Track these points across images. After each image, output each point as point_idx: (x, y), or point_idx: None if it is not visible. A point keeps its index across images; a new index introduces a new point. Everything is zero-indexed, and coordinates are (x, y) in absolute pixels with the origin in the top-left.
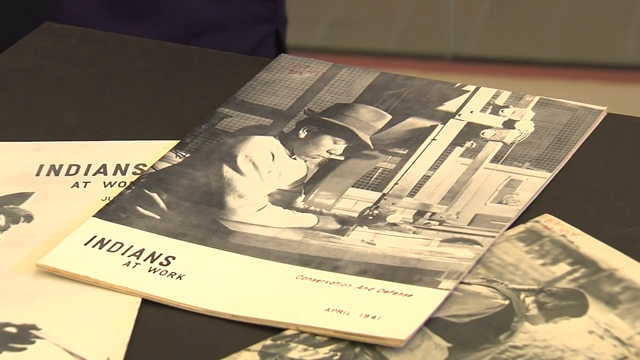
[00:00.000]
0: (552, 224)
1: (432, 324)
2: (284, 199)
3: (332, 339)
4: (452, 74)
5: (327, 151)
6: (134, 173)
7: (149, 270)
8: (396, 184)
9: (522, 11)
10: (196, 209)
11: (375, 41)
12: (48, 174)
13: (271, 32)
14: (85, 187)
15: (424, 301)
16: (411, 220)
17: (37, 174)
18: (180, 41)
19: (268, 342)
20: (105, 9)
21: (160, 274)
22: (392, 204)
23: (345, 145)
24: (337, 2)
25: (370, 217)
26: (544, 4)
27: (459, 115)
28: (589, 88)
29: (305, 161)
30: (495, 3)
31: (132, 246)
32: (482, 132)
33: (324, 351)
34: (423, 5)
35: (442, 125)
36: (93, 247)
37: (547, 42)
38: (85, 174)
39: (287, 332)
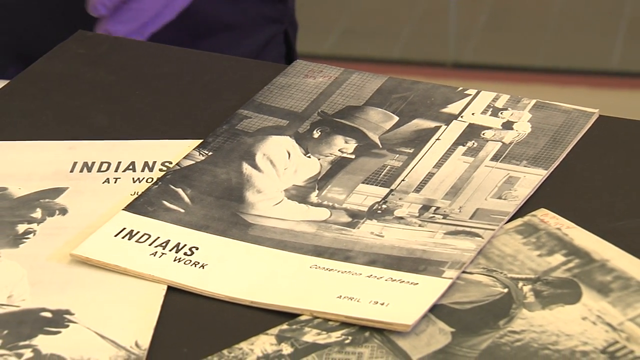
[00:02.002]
0: (548, 218)
1: (437, 310)
2: (299, 194)
3: (344, 324)
4: (452, 79)
5: (339, 150)
6: (160, 170)
7: (174, 260)
8: (403, 180)
9: (518, 22)
10: (218, 203)
11: (382, 49)
12: (81, 171)
13: (279, 33)
14: (115, 182)
15: (429, 289)
16: (417, 214)
17: (71, 171)
18: (194, 39)
19: (284, 326)
20: None
21: (184, 263)
22: (399, 199)
23: (356, 144)
24: (347, 13)
25: (379, 211)
26: (537, 15)
27: (461, 117)
28: (579, 92)
29: (319, 159)
30: (492, 14)
31: (158, 237)
32: (482, 132)
33: (336, 335)
34: (426, 16)
35: (446, 126)
36: (122, 238)
37: (540, 50)
38: (116, 170)
39: (302, 318)
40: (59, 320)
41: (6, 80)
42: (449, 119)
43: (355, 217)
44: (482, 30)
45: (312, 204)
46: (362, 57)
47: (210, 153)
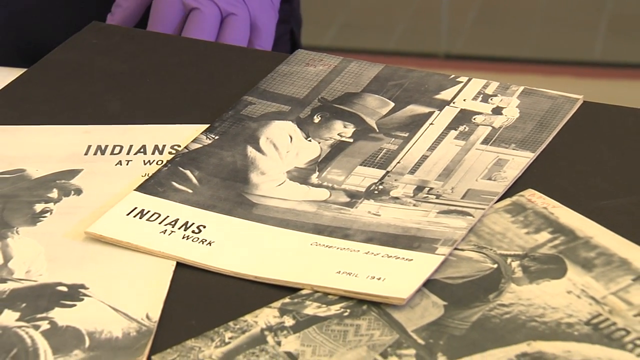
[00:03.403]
0: (535, 198)
1: (430, 284)
2: (301, 176)
3: (342, 297)
4: (444, 70)
5: (338, 134)
6: (169, 153)
7: (183, 237)
8: (398, 162)
9: (506, 16)
10: (224, 184)
11: (379, 42)
12: (95, 154)
13: (287, 31)
14: (127, 164)
15: (423, 265)
16: (411, 195)
17: (86, 153)
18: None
19: (286, 300)
20: None
21: (192, 240)
22: (395, 180)
23: (354, 129)
24: (345, 8)
25: (376, 192)
26: (524, 9)
27: (454, 102)
28: (564, 82)
29: (319, 143)
30: (482, 9)
31: (168, 216)
32: (473, 117)
33: (335, 308)
34: (419, 11)
35: (439, 112)
36: (134, 217)
37: (527, 42)
38: (128, 153)
39: (303, 292)
40: (74, 294)
41: (24, 68)
42: (441, 104)
43: (354, 197)
44: (472, 24)
45: (313, 185)
46: (360, 49)
47: (216, 137)
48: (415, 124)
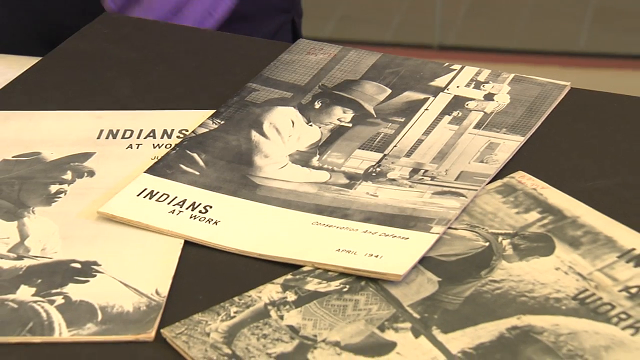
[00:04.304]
0: (524, 180)
1: (425, 261)
2: (302, 159)
3: (342, 274)
4: (438, 60)
5: (337, 119)
6: (177, 137)
7: (190, 217)
8: (395, 146)
9: (496, 9)
10: (229, 167)
11: (376, 34)
12: (107, 137)
13: (288, 21)
14: (137, 148)
15: (418, 243)
16: (407, 176)
17: (98, 137)
18: (213, 29)
19: (289, 276)
20: None
21: (199, 220)
22: (392, 162)
23: (353, 114)
24: (344, 2)
25: (374, 174)
26: (513, 2)
27: (447, 89)
28: (551, 71)
29: (320, 127)
30: (473, 2)
31: (176, 197)
32: (466, 103)
33: (335, 284)
34: (414, 4)
35: (433, 98)
36: (144, 197)
37: (516, 33)
38: (138, 137)
39: (305, 269)
40: (87, 270)
41: (39, 57)
42: (436, 91)
43: (352, 179)
44: (464, 16)
45: (314, 167)
46: (358, 40)
47: (222, 122)
48: (411, 109)
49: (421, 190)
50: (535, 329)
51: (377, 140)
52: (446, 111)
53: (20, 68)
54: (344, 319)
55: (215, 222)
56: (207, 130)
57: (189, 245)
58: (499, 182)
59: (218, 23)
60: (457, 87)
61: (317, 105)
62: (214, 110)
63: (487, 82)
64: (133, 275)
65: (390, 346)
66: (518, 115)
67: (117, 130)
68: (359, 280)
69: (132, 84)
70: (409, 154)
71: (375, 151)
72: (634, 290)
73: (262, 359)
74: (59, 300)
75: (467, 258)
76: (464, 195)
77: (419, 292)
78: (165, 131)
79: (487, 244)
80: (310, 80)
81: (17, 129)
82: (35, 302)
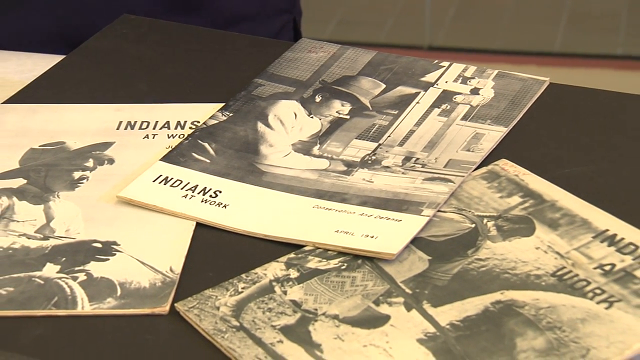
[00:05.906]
0: (507, 167)
1: (416, 242)
2: (304, 148)
3: (340, 253)
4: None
5: (336, 112)
6: (190, 128)
7: (201, 201)
8: (389, 136)
9: (481, 12)
10: (237, 155)
11: (370, 35)
12: (125, 128)
13: (289, 21)
14: (153, 138)
15: (410, 225)
16: (400, 164)
17: (117, 128)
18: (219, 28)
19: (291, 255)
20: (160, 4)
21: (210, 204)
22: (386, 151)
23: (350, 107)
24: (342, 6)
25: (369, 162)
26: (496, 6)
27: (437, 84)
28: (530, 70)
29: (320, 119)
30: (460, 6)
31: (188, 183)
32: (454, 97)
33: (334, 262)
34: (405, 8)
35: (424, 92)
36: (159, 183)
37: (498, 35)
38: (154, 128)
39: (306, 248)
40: (107, 250)
41: (63, 55)
42: (426, 86)
43: (350, 166)
44: (452, 19)
45: (315, 156)
46: (354, 41)
47: (231, 114)
48: (403, 102)
49: (413, 176)
50: (517, 303)
51: (373, 130)
52: (436, 104)
53: (46, 65)
54: (342, 294)
55: (225, 206)
56: (217, 121)
57: (201, 227)
58: (484, 169)
59: None
60: (446, 82)
61: (318, 99)
62: (223, 104)
63: (473, 78)
64: (149, 254)
65: (384, 319)
66: (501, 108)
67: (135, 122)
68: (356, 258)
69: (148, 80)
70: (401, 144)
71: (370, 141)
72: (607, 268)
73: (267, 331)
74: (82, 277)
75: (455, 238)
76: (452, 181)
77: (410, 270)
78: (178, 122)
79: (473, 225)
80: (311, 76)
81: (43, 120)
82: (59, 278)
